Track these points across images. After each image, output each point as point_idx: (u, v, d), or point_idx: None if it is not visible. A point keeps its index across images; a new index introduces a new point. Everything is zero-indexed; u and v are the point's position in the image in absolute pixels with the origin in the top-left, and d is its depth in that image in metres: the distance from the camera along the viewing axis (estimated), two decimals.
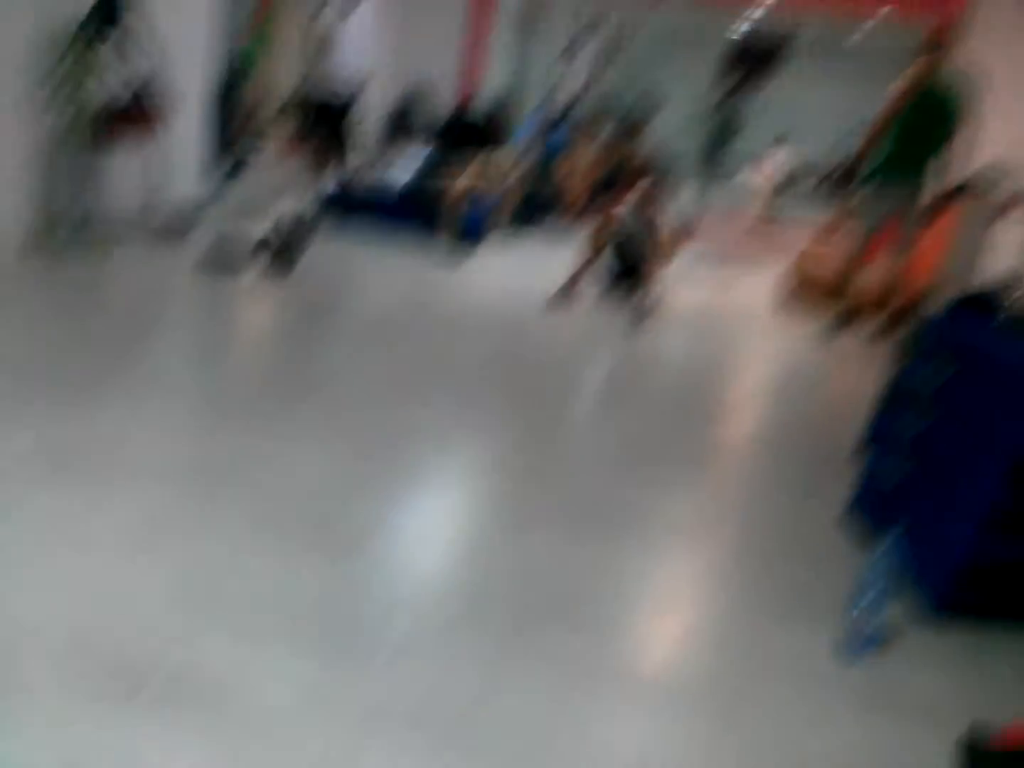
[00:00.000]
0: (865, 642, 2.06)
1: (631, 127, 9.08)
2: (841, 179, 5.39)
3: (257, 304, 4.64)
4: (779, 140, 10.59)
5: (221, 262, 5.07)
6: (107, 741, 1.54)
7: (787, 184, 10.22)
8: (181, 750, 1.55)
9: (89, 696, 1.62)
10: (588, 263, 4.93)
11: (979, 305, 2.51)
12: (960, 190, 4.68)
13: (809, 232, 6.61)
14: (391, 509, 2.56)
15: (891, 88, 4.70)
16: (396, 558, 2.32)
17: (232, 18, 6.33)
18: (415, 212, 6.37)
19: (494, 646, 1.95)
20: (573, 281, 4.93)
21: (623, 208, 4.96)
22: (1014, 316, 2.45)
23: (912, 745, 1.79)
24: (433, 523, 2.57)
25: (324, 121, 6.28)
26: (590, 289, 5.17)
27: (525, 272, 5.88)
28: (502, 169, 6.61)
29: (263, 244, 5.13)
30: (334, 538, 2.31)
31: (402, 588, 2.15)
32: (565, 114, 7.71)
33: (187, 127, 5.80)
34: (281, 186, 6.73)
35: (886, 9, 8.03)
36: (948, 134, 4.56)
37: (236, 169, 6.66)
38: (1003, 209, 6.64)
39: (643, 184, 4.85)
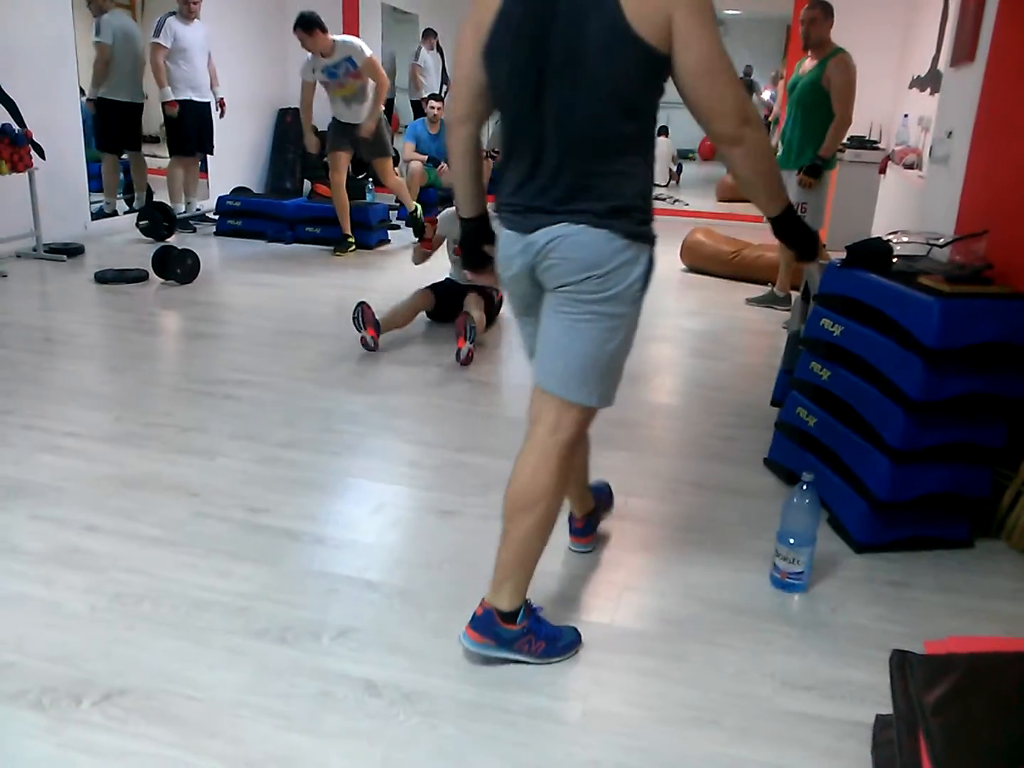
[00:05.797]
0: (795, 577, 2.14)
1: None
2: None
3: (163, 311, 4.54)
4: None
5: (122, 271, 4.96)
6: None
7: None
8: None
9: None
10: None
11: (869, 256, 2.61)
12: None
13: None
14: (322, 497, 2.56)
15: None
16: (331, 543, 2.31)
17: None
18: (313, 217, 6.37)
19: (436, 617, 1.99)
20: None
21: None
22: (898, 266, 2.57)
23: (847, 667, 1.88)
24: (367, 508, 2.54)
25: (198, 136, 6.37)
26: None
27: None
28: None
29: (164, 252, 4.99)
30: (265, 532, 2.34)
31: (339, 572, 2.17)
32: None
33: (68, 152, 5.84)
34: (176, 195, 6.62)
35: None
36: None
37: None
38: (879, 169, 6.99)
39: None
